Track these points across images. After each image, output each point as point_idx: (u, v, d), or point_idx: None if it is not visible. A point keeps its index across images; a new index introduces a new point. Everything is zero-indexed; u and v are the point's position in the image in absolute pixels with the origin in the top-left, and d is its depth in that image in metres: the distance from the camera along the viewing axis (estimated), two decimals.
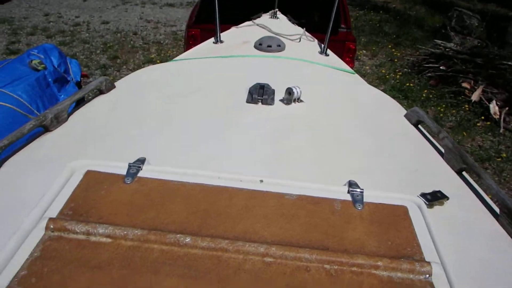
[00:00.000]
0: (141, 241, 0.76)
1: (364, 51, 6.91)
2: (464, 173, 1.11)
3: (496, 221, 0.93)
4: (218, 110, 1.35)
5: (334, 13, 2.33)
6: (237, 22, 2.52)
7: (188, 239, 0.76)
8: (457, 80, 5.36)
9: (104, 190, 0.88)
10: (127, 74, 5.03)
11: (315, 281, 0.72)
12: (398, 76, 5.82)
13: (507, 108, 4.74)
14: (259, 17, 2.53)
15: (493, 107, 4.76)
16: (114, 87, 1.43)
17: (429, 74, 5.72)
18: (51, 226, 0.77)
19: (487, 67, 5.31)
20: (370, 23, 8.70)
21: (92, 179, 0.91)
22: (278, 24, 2.40)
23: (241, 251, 0.76)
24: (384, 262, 0.76)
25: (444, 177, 1.08)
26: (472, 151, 4.18)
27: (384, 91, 5.33)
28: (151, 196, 0.88)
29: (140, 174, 0.93)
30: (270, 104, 1.39)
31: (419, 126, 1.37)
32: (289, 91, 1.40)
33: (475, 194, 1.03)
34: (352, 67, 3.85)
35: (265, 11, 2.61)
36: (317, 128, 1.30)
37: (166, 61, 5.64)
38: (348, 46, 3.70)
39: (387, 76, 5.83)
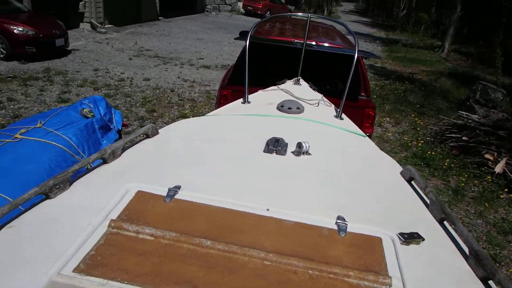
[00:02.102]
0: (174, 241, 1.02)
1: (388, 118, 7.14)
2: (445, 223, 1.26)
3: (465, 261, 1.07)
4: (240, 155, 1.62)
5: (349, 81, 2.58)
6: (265, 85, 2.82)
7: (208, 242, 1.01)
8: (480, 151, 5.42)
9: (150, 205, 1.17)
10: (162, 126, 5.40)
11: (300, 280, 0.94)
12: (420, 144, 5.95)
13: None
14: (283, 82, 2.81)
15: None
16: (158, 133, 1.73)
17: (452, 144, 5.82)
18: (112, 225, 1.05)
19: (510, 139, 5.38)
20: (395, 92, 9.02)
21: (142, 196, 1.21)
22: (299, 89, 2.67)
23: (247, 254, 0.99)
24: (354, 273, 0.97)
25: (425, 224, 1.24)
26: (495, 222, 4.14)
27: (406, 158, 5.45)
28: (183, 212, 1.16)
29: (176, 196, 1.22)
30: (283, 155, 1.63)
31: (412, 182, 1.55)
32: (299, 145, 1.64)
33: (452, 240, 1.18)
34: (371, 133, 4.06)
35: (290, 78, 2.90)
36: (319, 174, 1.53)
37: (198, 116, 6.06)
38: (368, 112, 3.93)
39: (409, 144, 5.97)
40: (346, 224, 1.16)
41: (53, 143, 2.68)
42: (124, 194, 1.20)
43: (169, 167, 1.44)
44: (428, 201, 1.38)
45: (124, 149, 1.51)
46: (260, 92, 2.67)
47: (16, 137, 2.67)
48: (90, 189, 1.23)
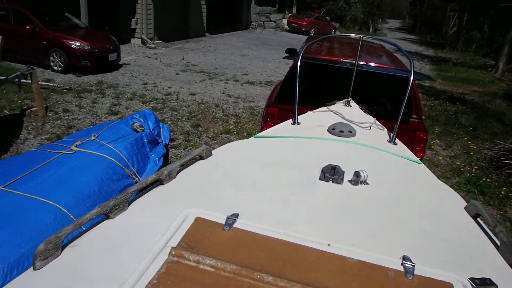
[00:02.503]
0: (235, 274, 0.99)
1: (438, 141, 6.81)
2: None
3: None
4: (296, 182, 1.57)
5: (403, 106, 2.47)
6: (313, 105, 2.77)
7: (270, 278, 0.97)
8: None
9: (209, 233, 1.15)
10: (207, 141, 5.47)
11: None
12: (474, 170, 5.61)
13: None
14: (333, 104, 2.74)
15: None
16: (211, 154, 1.73)
17: (509, 171, 5.44)
18: (173, 252, 1.04)
19: None
20: (445, 114, 8.63)
21: (200, 223, 1.20)
22: (350, 111, 2.58)
23: None
24: None
25: (496, 268, 1.14)
26: None
27: (458, 184, 5.15)
28: (243, 242, 1.13)
29: (235, 225, 1.20)
30: (340, 183, 1.57)
31: (478, 219, 1.44)
32: (357, 174, 1.58)
33: None
34: (422, 157, 3.87)
35: (340, 99, 2.83)
36: (379, 207, 1.45)
37: (242, 132, 6.09)
38: (419, 136, 3.76)
39: (462, 169, 5.65)
40: (413, 265, 1.08)
41: (105, 156, 2.76)
42: (183, 220, 1.20)
43: (225, 192, 1.43)
44: (498, 242, 1.27)
45: (179, 170, 1.52)
46: (309, 113, 2.61)
47: (71, 149, 2.78)
48: (148, 211, 1.25)
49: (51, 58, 8.70)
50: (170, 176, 1.45)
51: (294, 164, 1.74)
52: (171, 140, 4.10)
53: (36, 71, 5.78)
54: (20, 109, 6.06)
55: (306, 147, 2.01)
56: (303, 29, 23.37)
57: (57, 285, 0.91)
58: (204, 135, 5.94)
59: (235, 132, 6.12)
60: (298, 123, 2.42)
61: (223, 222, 1.20)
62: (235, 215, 1.23)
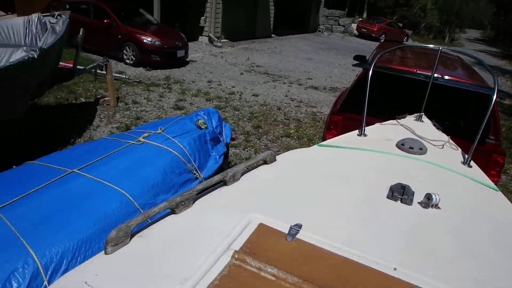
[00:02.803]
0: (296, 286, 0.97)
1: None
2: None
3: None
4: (362, 198, 1.52)
5: (483, 126, 2.29)
6: (380, 117, 2.65)
7: None
8: None
9: (271, 241, 1.15)
10: (267, 143, 5.45)
11: None
12: None
13: None
14: (404, 117, 2.61)
15: None
16: (275, 160, 1.72)
17: None
18: (235, 256, 1.05)
19: None
20: None
21: (263, 230, 1.20)
22: (422, 127, 2.45)
23: None
24: None
25: None
26: None
27: None
28: (305, 254, 1.11)
29: (298, 236, 1.18)
30: (409, 204, 1.49)
31: None
32: (428, 197, 1.49)
33: None
34: (497, 181, 3.57)
35: (411, 113, 2.69)
36: (451, 234, 1.36)
37: (303, 138, 6.03)
38: (496, 158, 3.47)
39: None
40: None
41: (170, 149, 2.87)
42: (247, 225, 1.21)
43: (289, 200, 1.41)
44: None
45: (243, 173, 1.53)
46: (377, 125, 2.51)
47: (139, 140, 2.92)
48: (212, 211, 1.27)
49: (124, 51, 9.23)
50: (234, 178, 1.47)
51: (360, 178, 1.68)
52: (232, 139, 4.16)
53: (110, 63, 6.17)
54: (95, 98, 6.51)
55: (372, 161, 1.93)
56: (373, 35, 22.60)
57: (126, 271, 0.96)
58: (264, 137, 5.96)
59: (295, 137, 6.07)
60: (365, 135, 2.34)
61: (286, 231, 1.19)
62: (298, 226, 1.22)
